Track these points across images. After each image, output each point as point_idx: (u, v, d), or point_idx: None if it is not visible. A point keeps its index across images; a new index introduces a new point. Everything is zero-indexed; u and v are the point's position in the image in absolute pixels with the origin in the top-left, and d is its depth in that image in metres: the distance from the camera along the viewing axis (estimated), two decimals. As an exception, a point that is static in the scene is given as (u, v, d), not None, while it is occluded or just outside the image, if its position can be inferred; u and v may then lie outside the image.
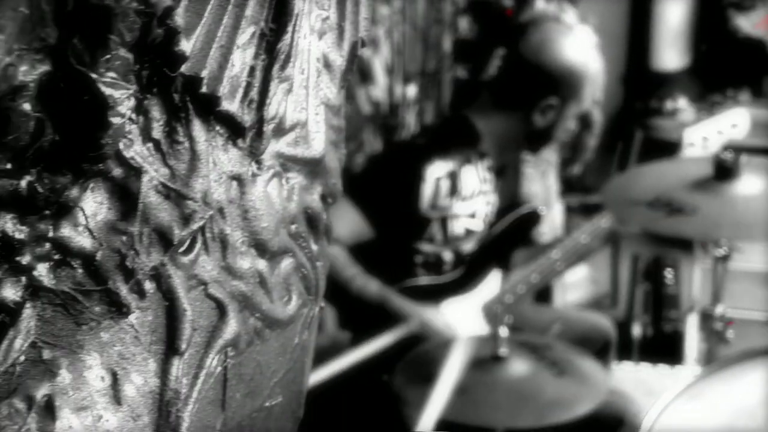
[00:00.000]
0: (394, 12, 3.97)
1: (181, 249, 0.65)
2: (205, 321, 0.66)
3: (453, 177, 2.65)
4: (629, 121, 4.48)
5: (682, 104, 3.94)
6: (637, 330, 3.71)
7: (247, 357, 0.69)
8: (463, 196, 2.68)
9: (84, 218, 0.62)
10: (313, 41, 0.74)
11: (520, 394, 2.51)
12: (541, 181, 3.44)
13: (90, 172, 0.61)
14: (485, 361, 2.54)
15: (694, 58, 4.98)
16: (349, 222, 2.54)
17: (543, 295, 3.46)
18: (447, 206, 2.66)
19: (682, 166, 2.76)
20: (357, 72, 3.98)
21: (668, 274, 3.83)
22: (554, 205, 3.53)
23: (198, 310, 0.66)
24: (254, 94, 0.69)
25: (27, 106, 0.54)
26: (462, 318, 2.79)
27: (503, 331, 2.51)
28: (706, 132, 2.93)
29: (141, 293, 0.63)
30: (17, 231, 0.59)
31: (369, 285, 2.59)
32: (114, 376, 0.62)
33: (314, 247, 0.74)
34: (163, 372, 0.64)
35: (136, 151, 0.64)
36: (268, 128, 0.69)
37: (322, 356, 2.65)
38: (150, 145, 0.65)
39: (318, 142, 0.74)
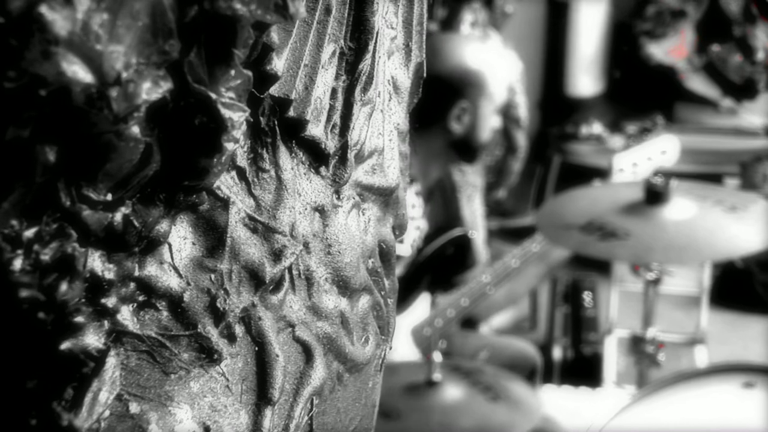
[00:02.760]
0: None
1: (270, 288, 0.59)
2: (293, 366, 0.60)
3: None
4: (546, 146, 4.54)
5: (597, 129, 4.01)
6: (557, 353, 3.73)
7: (330, 404, 0.63)
8: None
9: (170, 255, 0.55)
10: (385, 62, 0.69)
11: (455, 420, 2.48)
12: (468, 206, 3.43)
13: (181, 204, 0.54)
14: (419, 386, 2.51)
15: (608, 85, 5.08)
16: None
17: (469, 319, 3.45)
18: None
19: (615, 190, 2.78)
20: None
21: (586, 296, 3.87)
22: (480, 228, 3.52)
23: (287, 354, 0.60)
24: (337, 118, 0.63)
25: (136, 130, 0.48)
26: (391, 343, 2.74)
27: (437, 356, 2.49)
28: (636, 158, 2.97)
29: (231, 337, 0.57)
30: (106, 270, 0.52)
31: None
32: (206, 430, 0.55)
33: (386, 283, 0.69)
34: (255, 424, 0.57)
35: (221, 180, 0.57)
36: (352, 155, 0.64)
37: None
38: (234, 173, 0.58)
39: (393, 170, 0.68)
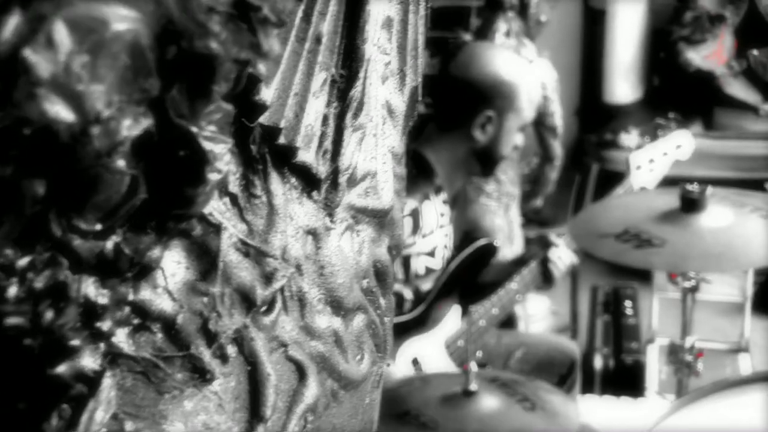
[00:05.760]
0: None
1: (262, 309, 0.61)
2: (285, 385, 0.63)
3: (415, 215, 2.63)
4: (584, 153, 4.53)
5: (635, 136, 3.99)
6: (598, 362, 3.70)
7: (324, 420, 0.65)
8: (424, 232, 2.67)
9: (163, 279, 0.58)
10: (378, 87, 0.71)
11: (492, 430, 2.48)
12: (505, 215, 3.44)
13: (173, 231, 0.57)
14: (455, 397, 2.52)
15: (646, 91, 5.06)
16: None
17: (507, 327, 3.45)
18: (409, 244, 2.64)
19: (650, 198, 2.78)
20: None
21: (627, 305, 3.84)
22: (517, 237, 3.53)
23: (279, 373, 0.62)
24: (328, 143, 0.66)
25: (121, 163, 0.50)
26: (426, 356, 2.76)
27: (473, 366, 2.49)
28: (652, 154, 2.96)
29: (224, 358, 0.59)
30: (99, 296, 0.55)
31: None
32: (199, 448, 0.58)
33: (383, 302, 0.71)
34: (248, 441, 0.60)
35: (213, 206, 0.60)
36: (343, 179, 0.66)
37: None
38: (226, 199, 0.61)
39: (387, 192, 0.70)
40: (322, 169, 0.65)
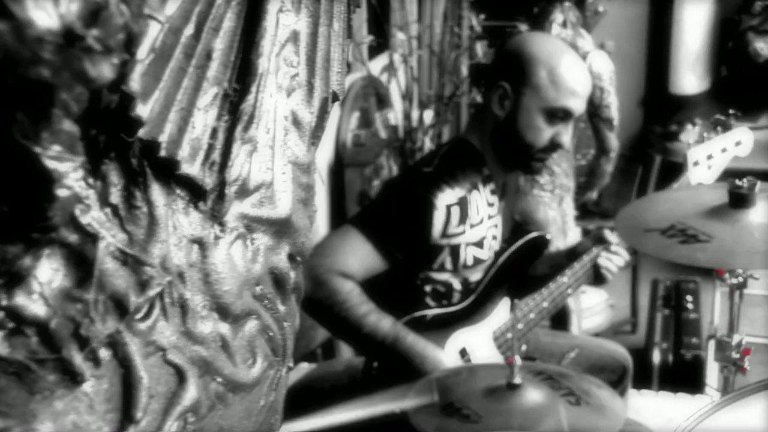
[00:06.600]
0: (411, 37, 3.96)
1: (139, 315, 0.65)
2: (163, 387, 0.66)
3: (463, 204, 2.62)
4: (648, 145, 4.45)
5: (701, 128, 3.89)
6: (657, 357, 3.65)
7: (209, 422, 0.68)
8: (472, 222, 2.65)
9: (38, 286, 0.62)
10: (280, 99, 0.73)
11: (536, 423, 2.48)
12: (558, 207, 3.41)
13: (42, 241, 0.61)
14: (500, 389, 2.51)
15: (714, 82, 4.93)
16: (361, 256, 2.50)
17: (560, 322, 3.42)
18: (458, 233, 2.63)
19: (698, 193, 2.72)
20: (374, 97, 3.98)
21: (689, 299, 3.78)
22: (571, 230, 3.49)
23: (156, 376, 0.65)
24: (216, 156, 0.68)
25: (-28, 181, 0.54)
26: (474, 348, 2.76)
27: (518, 359, 2.48)
28: (711, 150, 2.88)
29: (96, 361, 0.63)
30: (-32, 302, 0.58)
31: (382, 323, 2.55)
32: (67, 445, 0.61)
33: (281, 307, 0.73)
34: (118, 441, 0.63)
35: (93, 216, 0.63)
36: (231, 190, 0.69)
37: (337, 380, 2.64)
38: (108, 210, 0.64)
39: (284, 201, 0.73)
40: (208, 181, 0.67)
